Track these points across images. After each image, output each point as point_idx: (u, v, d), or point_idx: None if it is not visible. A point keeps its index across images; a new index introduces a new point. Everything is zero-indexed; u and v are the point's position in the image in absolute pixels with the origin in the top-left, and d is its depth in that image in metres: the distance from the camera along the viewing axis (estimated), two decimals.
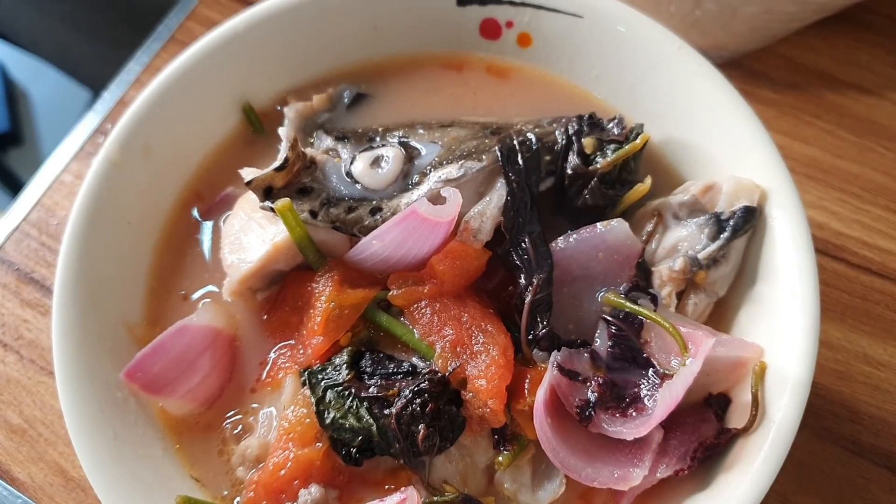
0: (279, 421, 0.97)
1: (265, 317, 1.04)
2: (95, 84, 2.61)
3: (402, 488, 0.91)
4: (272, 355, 1.02)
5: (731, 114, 1.03)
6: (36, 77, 3.43)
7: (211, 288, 1.08)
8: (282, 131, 1.05)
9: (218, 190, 1.12)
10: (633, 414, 0.91)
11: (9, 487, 1.16)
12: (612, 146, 1.03)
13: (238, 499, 0.96)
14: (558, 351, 0.95)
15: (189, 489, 0.95)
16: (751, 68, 1.36)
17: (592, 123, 1.06)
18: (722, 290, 1.00)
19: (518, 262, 0.99)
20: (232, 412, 1.01)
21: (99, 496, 0.89)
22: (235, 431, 1.00)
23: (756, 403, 0.90)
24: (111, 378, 0.97)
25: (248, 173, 1.02)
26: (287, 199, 0.97)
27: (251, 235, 1.03)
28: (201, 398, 1.01)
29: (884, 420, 1.14)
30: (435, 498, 0.92)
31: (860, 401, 1.15)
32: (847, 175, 1.29)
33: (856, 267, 1.23)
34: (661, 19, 1.28)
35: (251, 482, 0.95)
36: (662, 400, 0.88)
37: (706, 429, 0.92)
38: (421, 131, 1.09)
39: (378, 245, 0.98)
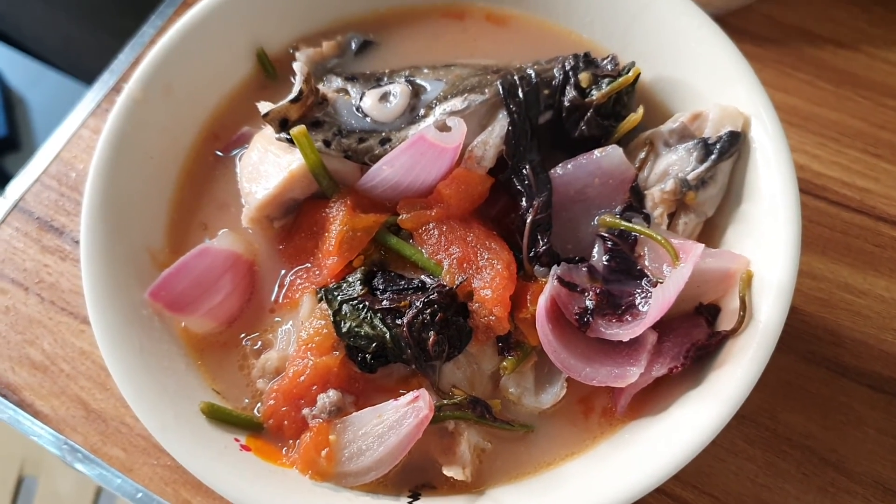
0: (297, 333, 1.03)
1: (281, 246, 1.10)
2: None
3: (415, 390, 0.97)
4: (289, 278, 1.08)
5: (715, 49, 1.10)
6: (33, 82, 3.46)
7: (229, 220, 1.13)
8: (296, 66, 1.11)
9: (234, 129, 1.19)
10: (629, 319, 0.98)
11: (33, 419, 1.21)
12: (606, 80, 1.10)
13: (259, 406, 1.01)
14: (558, 266, 1.01)
15: (211, 400, 1.00)
16: (734, 25, 1.44)
17: (588, 61, 1.13)
18: (710, 210, 1.07)
19: (519, 187, 1.05)
20: (251, 330, 1.07)
21: (129, 402, 0.94)
22: (255, 347, 1.06)
23: (744, 307, 0.97)
24: (136, 297, 1.03)
25: (264, 107, 1.09)
26: (303, 126, 1.04)
27: (268, 165, 1.09)
28: (222, 317, 1.07)
29: (864, 343, 1.20)
30: (445, 400, 0.98)
31: (842, 326, 1.21)
32: (826, 122, 1.37)
33: (836, 204, 1.30)
34: None
35: (271, 391, 1.01)
36: (656, 301, 0.95)
37: (698, 332, 0.99)
38: (426, 71, 1.16)
39: (388, 171, 1.05)
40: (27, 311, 1.28)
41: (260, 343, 1.06)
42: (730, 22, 1.45)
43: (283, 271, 1.09)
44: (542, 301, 0.98)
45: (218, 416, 0.98)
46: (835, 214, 1.29)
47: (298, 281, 1.07)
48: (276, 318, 1.07)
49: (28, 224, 1.35)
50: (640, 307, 0.98)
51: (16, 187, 1.37)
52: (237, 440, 0.97)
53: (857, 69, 1.41)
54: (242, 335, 1.07)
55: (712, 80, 1.10)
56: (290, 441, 0.99)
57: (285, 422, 0.99)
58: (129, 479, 1.15)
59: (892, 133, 1.35)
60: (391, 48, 1.24)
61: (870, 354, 1.20)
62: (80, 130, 1.42)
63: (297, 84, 1.07)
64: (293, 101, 1.07)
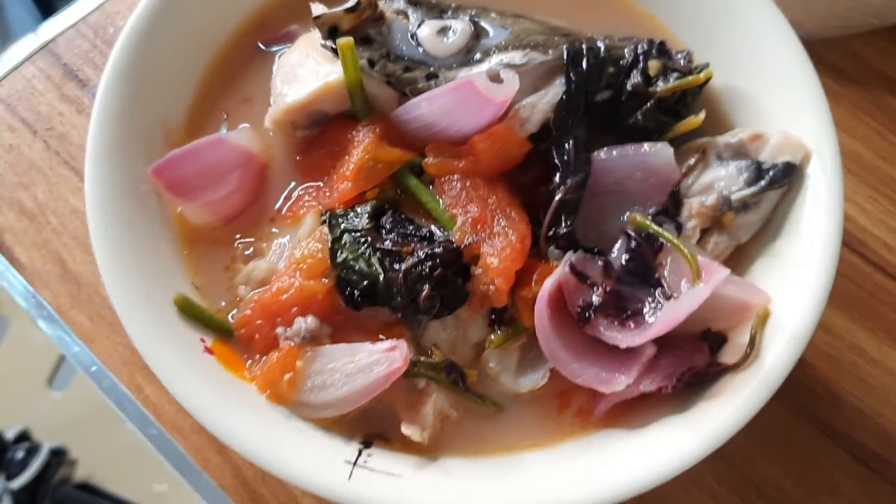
0: (291, 250, 0.98)
1: (298, 157, 1.05)
2: None
3: (394, 339, 0.92)
4: (298, 192, 1.04)
5: (796, 74, 1.03)
6: None
7: (252, 117, 1.08)
8: None
9: (283, 25, 1.13)
10: (631, 325, 0.93)
11: (8, 265, 1.18)
12: (676, 75, 1.04)
13: (233, 313, 0.97)
14: (574, 252, 0.96)
15: (188, 293, 0.96)
16: (819, 54, 1.35)
17: (662, 50, 1.06)
18: (745, 236, 1.01)
19: (557, 161, 0.99)
20: (247, 234, 1.02)
21: (101, 270, 0.90)
22: (246, 252, 1.01)
23: (752, 344, 0.92)
24: (138, 171, 0.99)
25: (317, 9, 1.03)
26: (351, 39, 0.98)
27: (306, 70, 1.03)
28: (221, 213, 1.02)
29: (861, 412, 1.15)
30: (422, 358, 0.94)
31: (844, 389, 1.16)
32: (886, 177, 1.30)
33: (872, 264, 1.24)
34: None
35: (250, 301, 0.97)
36: (665, 315, 0.90)
37: (698, 358, 0.94)
38: (493, 16, 1.09)
39: (426, 108, 0.99)
40: (30, 155, 1.24)
41: (252, 249, 1.02)
42: (816, 50, 1.36)
43: (293, 183, 1.05)
44: (548, 284, 0.93)
45: (190, 312, 0.94)
46: (868, 274, 1.23)
47: (307, 197, 1.02)
48: (274, 230, 1.02)
49: (53, 68, 1.30)
50: (646, 316, 0.93)
51: (50, 28, 1.32)
52: (203, 341, 0.93)
53: None
54: (237, 236, 1.02)
55: (784, 103, 1.04)
56: (257, 356, 0.95)
57: (257, 335, 0.95)
58: (88, 350, 1.12)
59: None
60: None
61: (864, 425, 1.15)
62: None
63: None
64: (348, 10, 1.01)
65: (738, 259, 1.02)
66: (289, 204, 1.03)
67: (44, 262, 1.17)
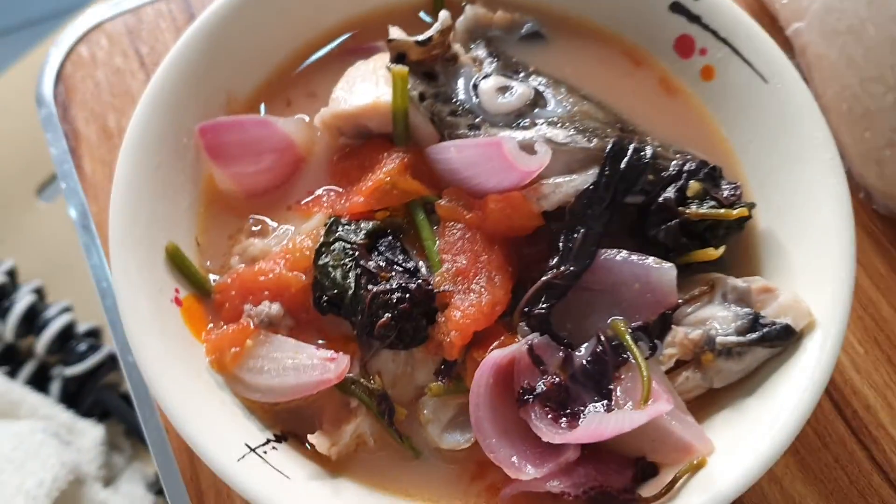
0: (288, 241, 1.03)
1: (334, 159, 1.10)
2: None
3: (341, 353, 0.96)
4: (320, 191, 1.09)
5: (833, 244, 0.98)
6: None
7: (310, 111, 1.14)
8: (443, 13, 1.09)
9: (372, 37, 1.18)
10: (563, 424, 0.92)
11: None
12: (712, 203, 1.02)
13: (216, 277, 1.03)
14: (541, 335, 0.96)
15: (186, 246, 1.03)
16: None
17: (711, 175, 1.05)
18: (720, 382, 0.98)
19: (560, 245, 1.00)
20: (262, 213, 1.08)
21: (112, 194, 0.98)
22: (254, 228, 1.07)
23: (672, 485, 0.89)
24: (188, 124, 1.06)
25: (394, 32, 1.08)
26: (405, 69, 1.02)
27: (367, 83, 1.08)
28: (246, 186, 1.08)
29: None
30: (362, 379, 0.97)
31: None
32: None
33: (873, 461, 1.15)
34: (849, 136, 1.24)
35: (235, 272, 1.02)
36: (591, 425, 0.89)
37: (616, 479, 0.92)
38: (562, 90, 1.11)
39: (454, 154, 1.02)
40: (130, 83, 1.35)
41: (259, 227, 1.07)
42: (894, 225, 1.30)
43: (321, 182, 1.10)
44: (498, 355, 0.93)
45: (177, 262, 1.01)
46: (866, 473, 1.15)
47: (325, 198, 1.07)
48: (286, 218, 1.07)
49: (182, 13, 1.41)
50: (580, 421, 0.92)
51: None
52: (177, 291, 1.00)
53: None
54: (253, 212, 1.08)
55: (812, 267, 1.00)
56: (221, 323, 1.00)
57: (227, 304, 1.01)
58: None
59: None
60: (555, 51, 1.19)
61: None
62: None
63: (432, 31, 1.06)
64: (419, 42, 1.05)
65: (707, 401, 0.99)
66: (308, 199, 1.08)
67: (102, 178, 1.28)
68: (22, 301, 1.94)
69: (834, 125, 1.26)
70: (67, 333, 1.96)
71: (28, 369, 1.95)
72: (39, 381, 1.94)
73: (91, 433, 1.80)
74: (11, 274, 2.01)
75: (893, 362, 1.21)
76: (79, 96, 1.33)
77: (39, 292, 2.02)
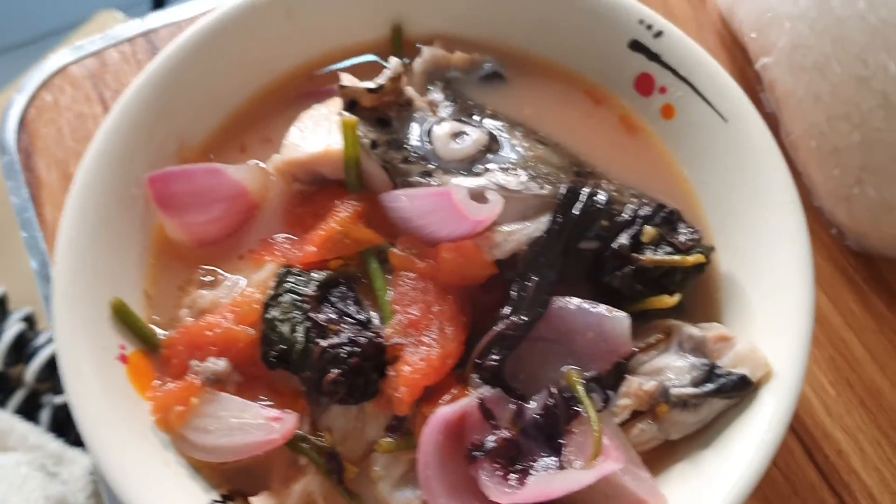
0: (238, 293, 1.02)
1: (288, 208, 1.09)
2: None
3: (288, 410, 0.94)
4: (272, 238, 1.07)
5: (794, 291, 0.96)
6: None
7: (265, 157, 1.12)
8: (394, 61, 1.07)
9: (329, 81, 1.16)
10: (512, 482, 0.90)
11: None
12: (668, 249, 1.00)
13: (163, 332, 1.02)
14: (493, 388, 0.94)
15: (135, 298, 1.02)
16: (879, 271, 1.27)
17: (669, 219, 1.03)
18: (676, 434, 0.96)
19: (513, 294, 0.98)
20: (213, 263, 1.07)
21: (57, 245, 0.96)
22: (204, 279, 1.06)
23: None
24: (137, 173, 1.04)
25: (346, 79, 1.06)
26: (355, 118, 1.01)
27: (321, 130, 1.07)
28: (197, 236, 1.07)
29: None
30: (310, 436, 0.95)
31: None
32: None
33: (837, 498, 1.12)
34: (819, 174, 1.22)
35: (183, 326, 1.01)
36: (538, 485, 0.87)
37: None
38: (518, 134, 1.09)
39: (405, 202, 1.00)
40: (93, 128, 1.30)
41: (210, 278, 1.06)
42: (877, 265, 1.28)
43: (275, 230, 1.08)
44: (448, 410, 0.92)
45: (123, 318, 0.99)
46: (809, 483, 1.12)
47: (276, 247, 1.06)
48: (237, 267, 1.06)
49: (146, 55, 1.39)
50: (530, 478, 0.90)
51: (156, 18, 1.42)
52: (122, 348, 0.98)
53: None
54: (204, 263, 1.07)
55: (771, 313, 0.98)
56: (167, 380, 0.99)
57: (174, 360, 0.99)
58: None
59: None
60: (515, 91, 1.18)
61: None
62: None
63: (383, 77, 1.04)
64: (370, 90, 1.04)
65: (664, 454, 0.97)
66: (260, 248, 1.07)
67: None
68: (11, 329, 1.93)
69: (804, 162, 1.25)
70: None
71: (18, 397, 1.94)
72: (29, 410, 1.93)
73: (81, 462, 1.78)
74: (1, 301, 2.00)
75: (866, 405, 1.19)
76: (41, 143, 1.32)
77: (29, 320, 2.00)
